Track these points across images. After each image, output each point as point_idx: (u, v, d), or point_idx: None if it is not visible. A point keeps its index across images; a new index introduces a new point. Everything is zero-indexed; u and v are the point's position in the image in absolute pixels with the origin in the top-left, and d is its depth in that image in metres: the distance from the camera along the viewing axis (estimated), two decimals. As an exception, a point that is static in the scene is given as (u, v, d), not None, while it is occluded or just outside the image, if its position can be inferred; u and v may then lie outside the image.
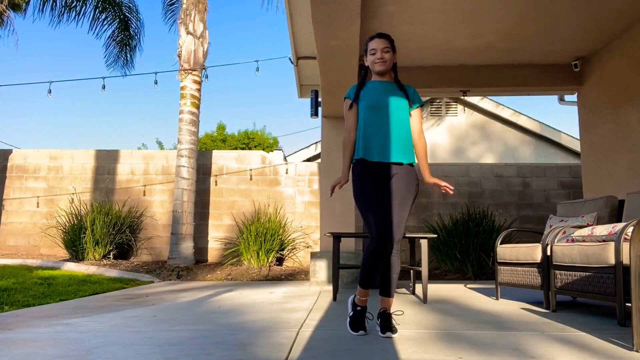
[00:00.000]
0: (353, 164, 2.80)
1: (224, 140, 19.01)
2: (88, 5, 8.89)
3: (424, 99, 11.60)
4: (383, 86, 2.82)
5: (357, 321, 2.70)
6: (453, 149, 11.89)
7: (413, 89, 2.88)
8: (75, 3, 8.84)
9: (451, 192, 2.73)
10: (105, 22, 9.07)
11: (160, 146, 20.61)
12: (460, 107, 12.01)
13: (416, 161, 2.82)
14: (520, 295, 4.65)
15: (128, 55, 9.35)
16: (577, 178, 8.39)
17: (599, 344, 2.41)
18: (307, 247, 8.40)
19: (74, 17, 8.93)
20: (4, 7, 9.25)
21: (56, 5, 8.84)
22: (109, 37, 9.17)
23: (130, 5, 9.21)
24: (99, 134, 40.09)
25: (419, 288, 5.08)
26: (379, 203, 2.65)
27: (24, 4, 9.57)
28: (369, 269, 2.66)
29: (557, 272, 3.54)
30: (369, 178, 2.70)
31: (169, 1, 9.28)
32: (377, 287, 2.81)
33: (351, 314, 2.74)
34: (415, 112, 2.83)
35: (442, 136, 11.90)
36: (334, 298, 4.33)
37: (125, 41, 9.25)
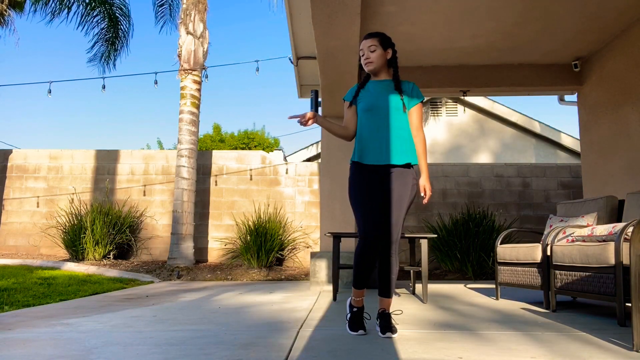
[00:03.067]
0: (350, 165, 2.80)
1: (222, 141, 19.04)
2: (79, 2, 8.88)
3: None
4: (380, 87, 2.80)
5: (355, 322, 2.69)
6: (453, 149, 11.89)
7: (412, 84, 2.84)
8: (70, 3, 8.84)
9: (424, 202, 2.75)
10: (94, 20, 9.06)
11: (160, 146, 20.63)
12: (460, 107, 12.01)
13: (416, 161, 2.79)
14: (520, 295, 4.65)
15: (112, 54, 9.35)
16: (577, 178, 8.39)
17: (599, 343, 2.41)
18: (307, 247, 8.40)
19: (66, 14, 8.93)
20: (5, 7, 9.24)
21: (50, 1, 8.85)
22: (96, 34, 9.17)
23: (122, 6, 9.22)
24: (99, 134, 40.11)
25: (419, 288, 5.08)
26: (369, 201, 2.65)
27: (26, 1, 9.56)
28: (360, 267, 2.66)
29: (557, 272, 3.54)
30: (363, 178, 2.70)
31: (159, 2, 9.30)
32: (375, 287, 2.80)
33: (349, 315, 2.74)
34: (415, 109, 2.79)
35: (442, 136, 11.90)
36: (334, 298, 4.33)
37: (112, 40, 9.24)
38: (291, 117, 2.73)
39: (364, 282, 2.70)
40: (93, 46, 9.25)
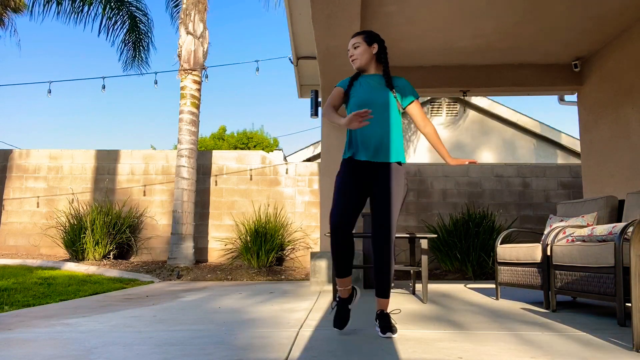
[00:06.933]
0: (341, 163, 2.80)
1: (222, 139, 19.14)
2: (96, 9, 8.94)
3: (424, 99, 11.62)
4: (373, 82, 2.78)
5: (340, 315, 2.71)
6: (453, 149, 11.89)
7: (405, 81, 2.82)
8: (82, 7, 8.87)
9: (477, 162, 2.82)
10: (116, 26, 9.14)
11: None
12: (460, 107, 12.01)
13: (406, 159, 2.79)
14: (520, 295, 4.65)
15: (142, 55, 9.44)
16: (577, 178, 8.39)
17: (599, 343, 2.41)
18: (307, 247, 8.40)
19: (83, 20, 9.00)
20: (3, 9, 9.25)
21: (62, 8, 8.88)
22: (121, 40, 9.25)
23: (139, 5, 9.26)
24: (99, 134, 40.12)
25: (419, 288, 5.08)
26: (345, 193, 2.67)
27: (26, 9, 9.58)
28: (333, 256, 2.69)
29: (557, 272, 3.54)
30: (349, 175, 2.71)
31: (174, 3, 9.33)
32: (372, 287, 2.80)
33: (334, 304, 2.76)
34: (413, 106, 2.80)
35: (442, 136, 11.90)
36: (334, 298, 4.33)
37: (137, 42, 9.31)
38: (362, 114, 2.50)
39: (343, 270, 2.70)
40: (121, 53, 9.37)
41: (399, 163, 2.74)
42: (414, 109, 2.81)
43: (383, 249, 2.63)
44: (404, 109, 2.83)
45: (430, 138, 2.81)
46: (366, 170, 2.71)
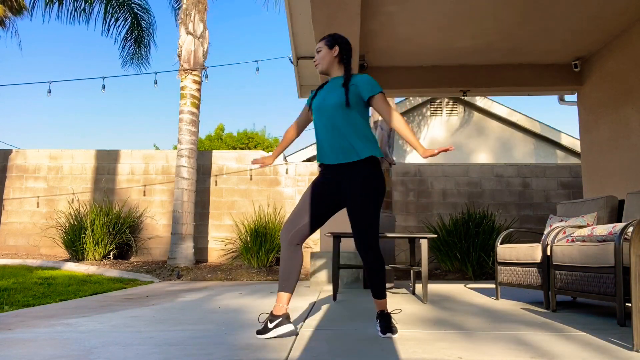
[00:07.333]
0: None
1: (220, 139, 19.14)
2: (98, 7, 8.97)
3: (424, 98, 11.61)
4: (332, 85, 2.74)
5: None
6: (454, 148, 11.87)
7: (365, 77, 2.70)
8: (84, 6, 8.90)
9: (452, 148, 2.59)
10: (118, 23, 9.18)
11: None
12: (460, 106, 12.01)
13: (378, 153, 2.64)
14: (520, 295, 4.65)
15: (143, 52, 9.48)
16: (577, 178, 8.39)
17: (599, 343, 2.41)
18: (307, 247, 8.40)
19: (86, 19, 9.03)
20: (5, 11, 9.25)
21: (63, 8, 8.91)
22: (123, 37, 9.29)
23: (140, 2, 9.30)
24: (99, 134, 40.14)
25: (419, 288, 5.09)
26: (303, 206, 2.65)
27: (25, 11, 9.60)
28: (280, 267, 2.65)
29: (557, 272, 3.54)
30: (316, 185, 2.70)
31: (177, 4, 9.35)
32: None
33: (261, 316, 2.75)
34: (375, 100, 2.66)
35: (441, 136, 11.90)
36: (334, 298, 4.33)
37: (139, 39, 9.34)
38: (254, 162, 2.87)
39: (280, 282, 2.60)
40: (122, 50, 9.42)
41: (371, 158, 2.60)
42: (376, 103, 2.67)
43: (367, 252, 2.57)
44: (367, 104, 2.71)
45: (400, 132, 2.63)
46: (334, 174, 2.66)
